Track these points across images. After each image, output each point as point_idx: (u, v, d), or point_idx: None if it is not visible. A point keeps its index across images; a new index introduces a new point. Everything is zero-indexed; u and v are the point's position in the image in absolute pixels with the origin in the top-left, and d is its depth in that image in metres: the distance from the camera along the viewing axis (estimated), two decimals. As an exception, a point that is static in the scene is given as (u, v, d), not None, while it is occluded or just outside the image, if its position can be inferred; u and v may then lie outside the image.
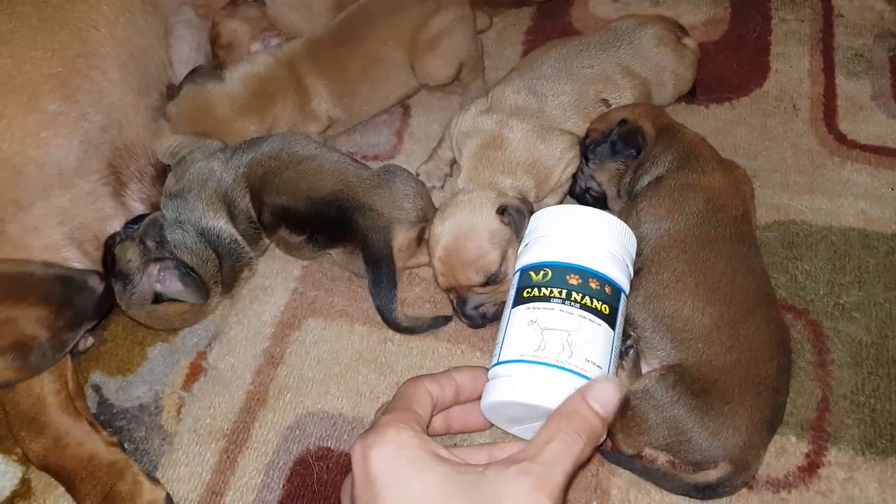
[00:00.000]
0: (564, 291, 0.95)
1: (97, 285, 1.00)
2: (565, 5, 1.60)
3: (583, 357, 0.91)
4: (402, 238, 1.14)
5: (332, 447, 1.06)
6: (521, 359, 0.94)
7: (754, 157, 1.29)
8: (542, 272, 0.99)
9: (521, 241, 1.05)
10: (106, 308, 1.04)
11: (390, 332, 1.17)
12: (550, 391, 0.91)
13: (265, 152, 1.18)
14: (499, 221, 1.07)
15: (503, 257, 1.07)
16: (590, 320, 0.93)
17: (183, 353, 1.18)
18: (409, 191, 1.17)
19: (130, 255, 1.09)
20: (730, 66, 1.46)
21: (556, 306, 0.95)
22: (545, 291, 0.96)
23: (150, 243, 1.11)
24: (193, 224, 1.15)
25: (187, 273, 1.10)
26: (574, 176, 1.21)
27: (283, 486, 1.03)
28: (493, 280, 1.07)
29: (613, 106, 1.23)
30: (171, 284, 1.09)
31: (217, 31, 1.46)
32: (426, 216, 1.17)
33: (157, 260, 1.09)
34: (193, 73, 1.31)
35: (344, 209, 1.13)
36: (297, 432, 1.08)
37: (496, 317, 1.08)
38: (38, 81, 1.14)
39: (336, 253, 1.18)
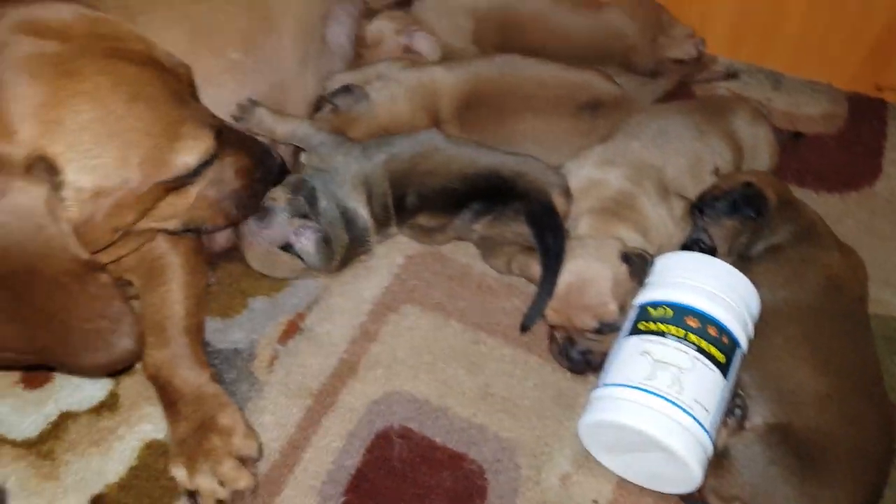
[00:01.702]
0: (682, 331, 0.98)
1: (277, 155, 1.10)
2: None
3: (692, 396, 0.94)
4: (557, 202, 1.16)
5: (415, 429, 1.08)
6: (630, 384, 0.97)
7: (859, 249, 1.30)
8: (661, 309, 1.02)
9: (641, 288, 1.08)
10: (283, 177, 1.13)
11: (483, 334, 1.20)
12: (656, 419, 0.93)
13: (407, 148, 1.22)
14: (625, 271, 1.08)
15: (622, 308, 1.08)
16: (703, 363, 0.96)
17: (282, 310, 1.22)
18: (550, 167, 1.22)
19: (276, 195, 1.13)
20: (842, 160, 1.50)
21: (671, 342, 0.98)
22: (662, 327, 0.99)
23: (302, 199, 1.15)
24: (338, 201, 1.19)
25: (325, 241, 1.14)
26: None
27: (363, 455, 1.06)
28: (608, 329, 1.08)
29: (722, 174, 1.26)
30: (306, 244, 1.13)
31: (364, 32, 1.51)
32: (570, 193, 1.20)
33: (305, 216, 1.14)
34: (348, 93, 1.33)
35: (502, 178, 1.17)
36: (383, 407, 1.10)
37: (599, 367, 1.09)
38: (227, 31, 1.21)
39: (484, 226, 1.19)
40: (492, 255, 1.24)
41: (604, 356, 1.09)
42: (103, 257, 0.91)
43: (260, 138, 1.20)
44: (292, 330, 1.19)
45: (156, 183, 0.84)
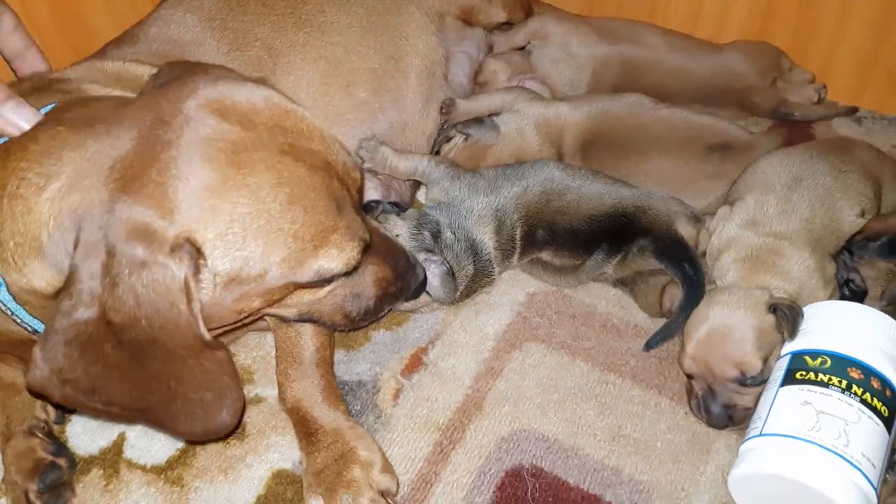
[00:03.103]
0: (844, 382, 0.94)
1: (421, 272, 1.05)
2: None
3: (859, 450, 0.89)
4: (683, 230, 1.16)
5: (546, 469, 1.05)
6: (793, 435, 0.91)
7: None
8: (819, 359, 0.97)
9: (791, 341, 1.03)
10: (418, 295, 1.08)
11: (611, 375, 1.16)
12: (823, 474, 0.88)
13: (538, 183, 1.23)
14: (770, 322, 1.03)
15: (765, 361, 1.03)
16: (868, 416, 0.91)
17: (405, 343, 1.21)
18: (672, 196, 1.22)
19: (399, 230, 1.14)
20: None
21: (834, 393, 0.93)
22: (822, 377, 0.95)
23: (426, 234, 1.15)
24: (465, 232, 1.19)
25: (450, 274, 1.14)
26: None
27: (494, 492, 1.02)
28: (752, 382, 1.03)
29: (868, 217, 1.21)
30: (432, 278, 1.12)
31: (480, 67, 1.55)
32: (698, 219, 1.19)
33: (429, 251, 1.14)
34: (480, 124, 1.35)
35: (626, 216, 1.18)
36: (512, 445, 1.07)
37: (742, 422, 1.04)
38: (359, 72, 1.27)
39: (615, 267, 1.19)
40: (640, 295, 1.22)
41: (747, 411, 1.04)
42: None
43: (382, 175, 1.23)
44: (416, 364, 1.18)
45: (290, 281, 0.83)
